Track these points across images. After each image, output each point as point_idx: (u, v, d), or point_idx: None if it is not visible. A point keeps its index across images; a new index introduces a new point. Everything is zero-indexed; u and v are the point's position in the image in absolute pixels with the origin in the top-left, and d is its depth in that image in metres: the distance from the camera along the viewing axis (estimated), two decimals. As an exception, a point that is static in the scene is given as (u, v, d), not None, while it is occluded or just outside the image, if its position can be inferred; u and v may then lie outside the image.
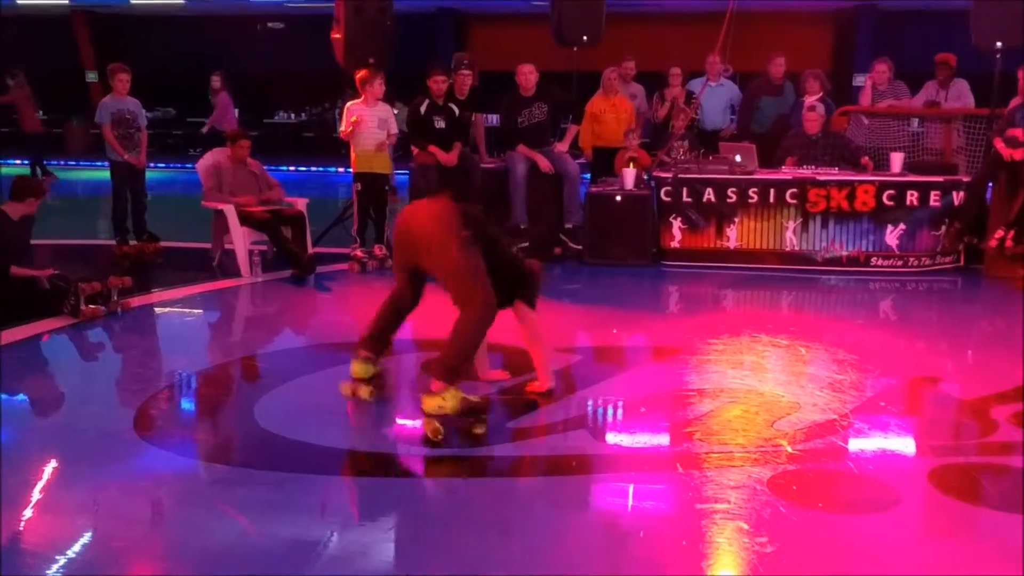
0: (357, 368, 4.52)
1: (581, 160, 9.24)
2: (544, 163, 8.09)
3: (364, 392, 4.51)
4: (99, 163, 16.69)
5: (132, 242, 8.64)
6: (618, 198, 8.01)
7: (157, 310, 6.71)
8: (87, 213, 11.99)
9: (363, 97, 7.83)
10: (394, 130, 7.97)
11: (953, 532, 3.41)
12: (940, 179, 7.78)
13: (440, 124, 7.98)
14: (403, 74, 9.82)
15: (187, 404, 4.84)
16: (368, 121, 7.76)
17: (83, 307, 5.99)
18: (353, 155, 7.96)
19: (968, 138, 8.70)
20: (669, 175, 8.00)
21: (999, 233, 7.40)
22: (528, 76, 8.20)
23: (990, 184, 7.72)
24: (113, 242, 8.68)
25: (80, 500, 3.51)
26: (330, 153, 16.52)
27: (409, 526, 3.44)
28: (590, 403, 4.65)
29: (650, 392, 4.79)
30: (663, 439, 4.21)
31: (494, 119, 9.22)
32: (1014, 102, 7.83)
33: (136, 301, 6.50)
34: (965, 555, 3.22)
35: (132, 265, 7.96)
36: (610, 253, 8.03)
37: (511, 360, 5.28)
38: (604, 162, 9.06)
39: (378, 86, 7.79)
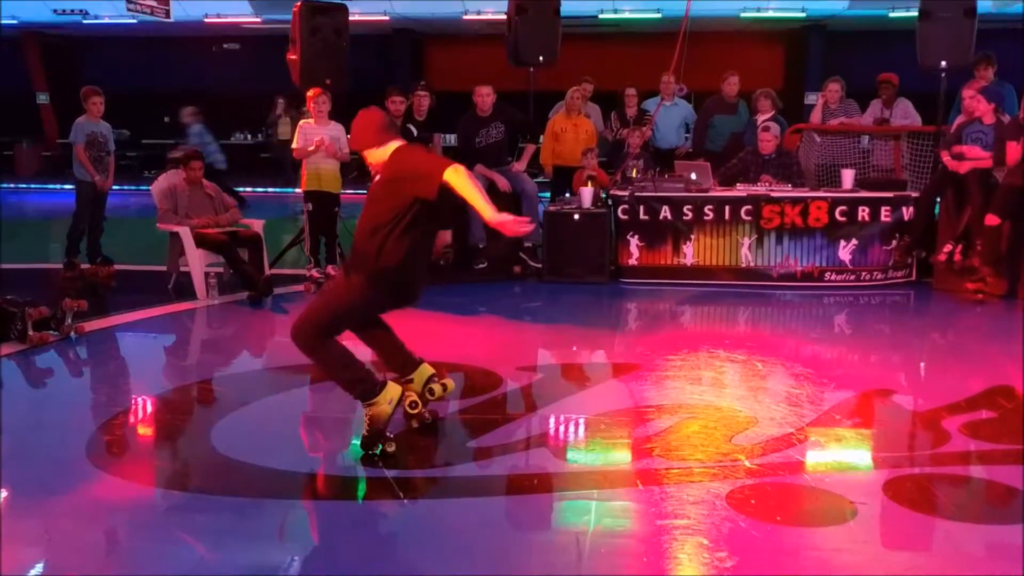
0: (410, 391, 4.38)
1: (540, 178, 9.29)
2: (502, 182, 8.12)
3: (439, 389, 4.44)
4: (51, 185, 16.53)
5: (84, 265, 8.52)
6: (576, 216, 8.06)
7: (111, 334, 6.60)
8: (38, 236, 11.79)
9: (313, 117, 7.88)
10: (346, 149, 7.91)
11: (909, 542, 3.46)
12: (890, 195, 7.92)
13: (398, 145, 7.96)
14: (360, 95, 9.80)
15: (142, 430, 4.76)
16: (324, 140, 7.77)
17: (30, 332, 5.89)
18: (304, 174, 7.95)
19: (912, 155, 8.89)
20: (626, 193, 8.07)
21: (947, 247, 7.56)
22: (485, 97, 8.24)
23: (938, 199, 7.89)
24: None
25: (32, 530, 3.42)
26: (288, 174, 16.41)
27: (370, 549, 3.41)
28: (551, 421, 4.67)
29: (610, 409, 4.81)
30: (623, 455, 4.23)
31: (452, 139, 9.23)
32: (959, 120, 8.02)
33: (90, 325, 6.39)
34: (922, 565, 3.27)
35: (85, 288, 7.82)
36: (569, 271, 8.08)
37: (471, 380, 5.29)
38: (563, 181, 9.12)
39: (322, 103, 7.83)
